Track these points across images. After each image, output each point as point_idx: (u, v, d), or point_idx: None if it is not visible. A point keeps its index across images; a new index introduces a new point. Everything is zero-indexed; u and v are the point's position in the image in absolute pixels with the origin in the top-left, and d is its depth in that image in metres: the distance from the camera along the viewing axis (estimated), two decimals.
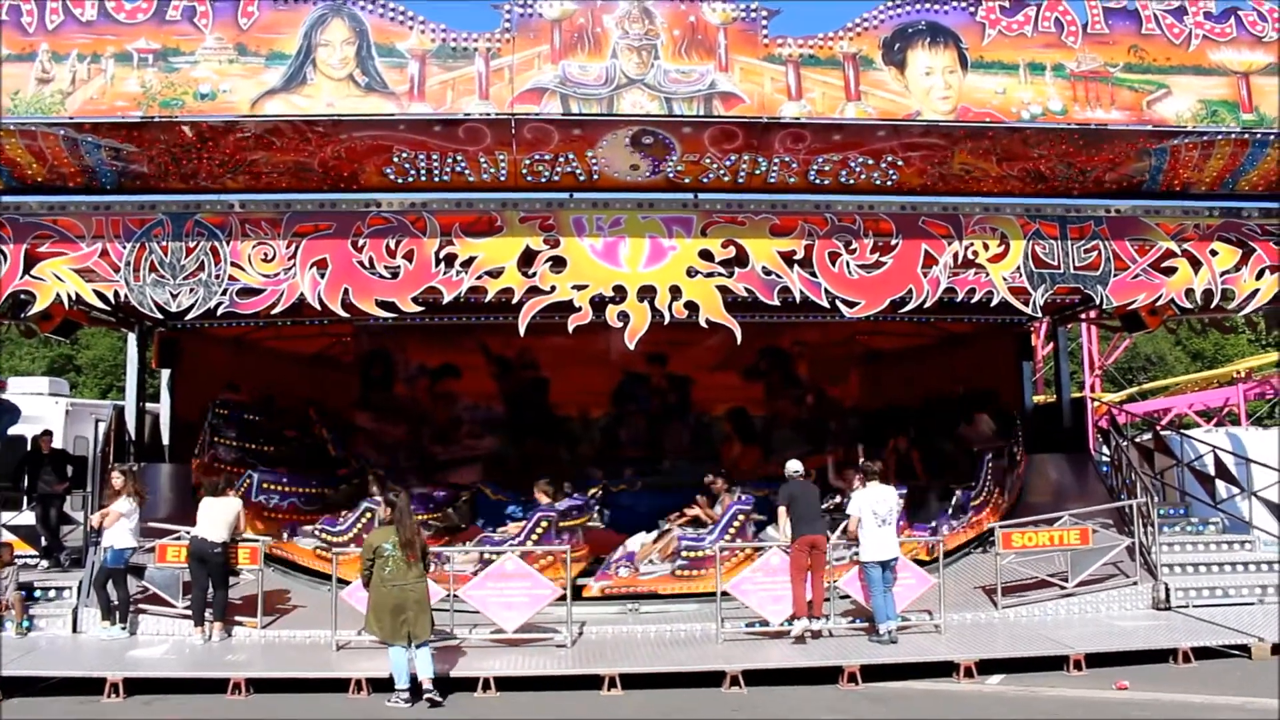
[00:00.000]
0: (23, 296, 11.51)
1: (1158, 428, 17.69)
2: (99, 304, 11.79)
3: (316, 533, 14.17)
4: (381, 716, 9.59)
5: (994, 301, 11.85)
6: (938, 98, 10.93)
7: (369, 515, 13.75)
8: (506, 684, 10.34)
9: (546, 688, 10.37)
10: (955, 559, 13.91)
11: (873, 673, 10.55)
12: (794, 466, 12.26)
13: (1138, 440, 16.84)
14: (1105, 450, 16.90)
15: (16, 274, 11.21)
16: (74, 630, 12.32)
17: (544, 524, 13.29)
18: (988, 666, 10.70)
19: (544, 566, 12.60)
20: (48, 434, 15.46)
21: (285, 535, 14.39)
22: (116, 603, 12.13)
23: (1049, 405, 18.98)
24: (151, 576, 12.44)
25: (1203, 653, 11.04)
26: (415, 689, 9.81)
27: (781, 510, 11.90)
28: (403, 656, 9.85)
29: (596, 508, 16.05)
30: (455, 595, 11.77)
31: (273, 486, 15.48)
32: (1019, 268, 11.83)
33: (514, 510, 15.14)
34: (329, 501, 15.81)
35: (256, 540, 12.67)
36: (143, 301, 11.27)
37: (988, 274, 11.83)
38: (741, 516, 13.46)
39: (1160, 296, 12.05)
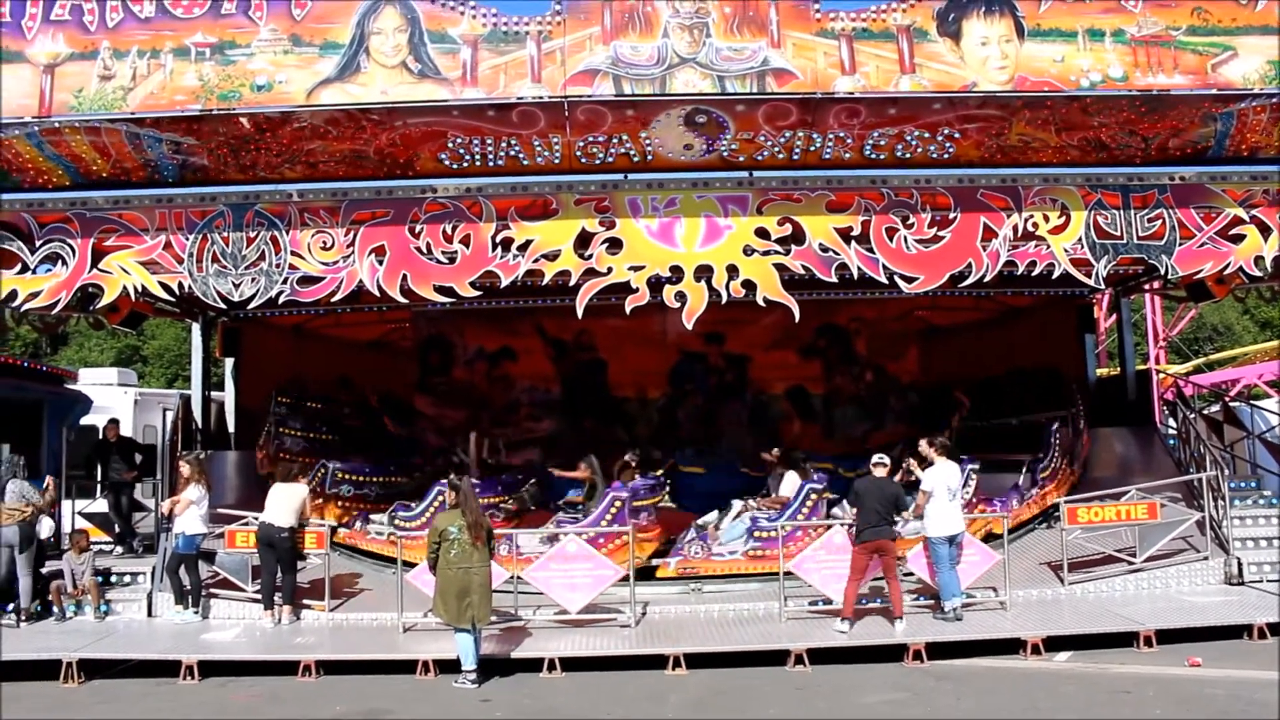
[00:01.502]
0: (91, 290, 11.73)
1: (1227, 399, 17.30)
2: (164, 295, 12.05)
3: (392, 520, 14.23)
4: (449, 697, 9.71)
5: (1055, 274, 11.64)
6: (994, 68, 10.76)
7: (440, 499, 13.87)
8: (571, 664, 10.42)
9: (611, 668, 10.44)
10: (1020, 535, 13.79)
11: (938, 650, 10.49)
12: (875, 459, 11.92)
13: (1206, 412, 16.51)
14: (1172, 423, 16.60)
15: (85, 268, 11.44)
16: (149, 614, 12.62)
17: (617, 504, 13.32)
18: (1055, 643, 10.58)
19: (615, 549, 12.66)
20: (114, 423, 15.72)
21: (358, 524, 14.48)
22: (189, 587, 12.39)
23: (1113, 378, 18.69)
24: (222, 561, 12.69)
25: (1279, 628, 10.81)
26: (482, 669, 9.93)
27: (853, 512, 11.71)
28: (469, 639, 9.98)
29: (667, 487, 16.02)
30: (519, 577, 11.86)
31: (347, 477, 15.55)
32: (1081, 239, 11.60)
33: (575, 492, 15.17)
34: (401, 489, 15.89)
35: (323, 525, 12.86)
36: (206, 292, 11.45)
37: (1048, 246, 11.61)
38: (814, 496, 13.37)
39: (1228, 265, 11.76)
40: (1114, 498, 12.86)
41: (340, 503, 15.23)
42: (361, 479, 15.78)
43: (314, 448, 16.49)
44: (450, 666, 10.30)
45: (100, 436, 15.53)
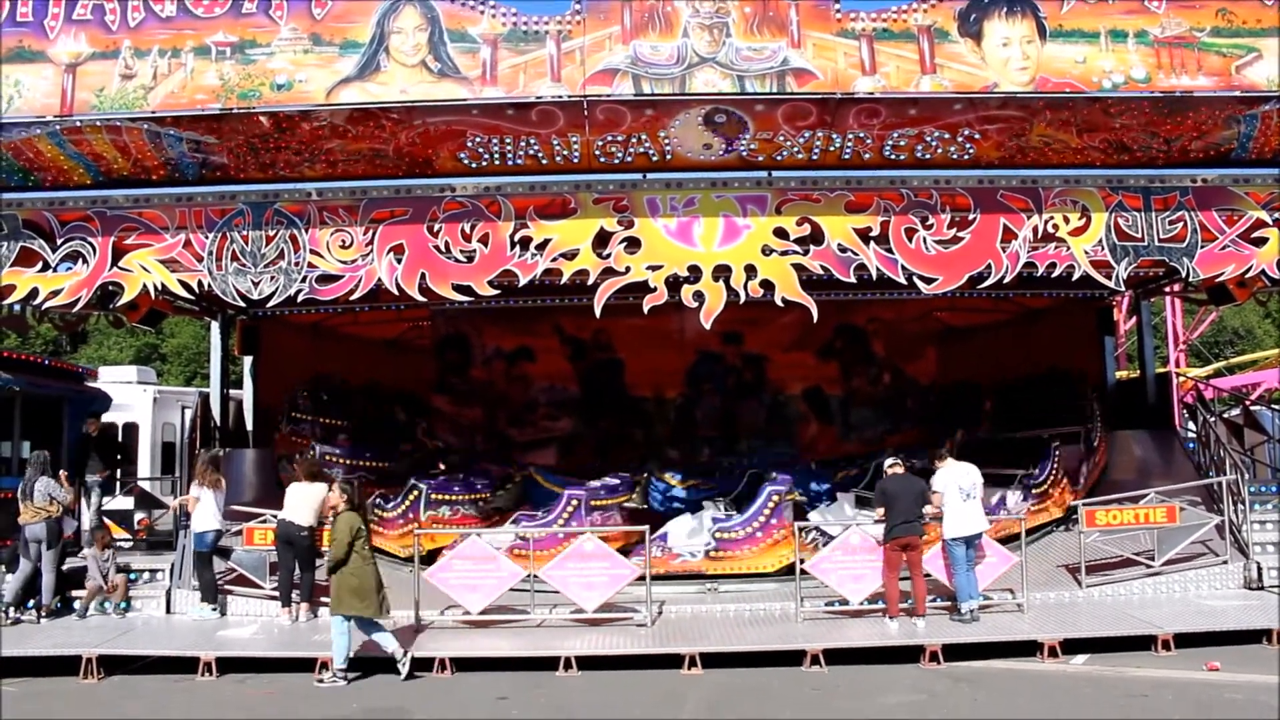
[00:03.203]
0: (111, 288, 11.78)
1: (1247, 403, 17.19)
2: (184, 293, 12.10)
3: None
4: (466, 695, 9.73)
5: (1075, 276, 11.59)
6: (1015, 69, 10.71)
7: (775, 501, 13.68)
8: (587, 663, 10.42)
9: (627, 667, 10.44)
10: (1037, 537, 13.73)
11: (955, 652, 10.46)
12: (890, 461, 12.12)
13: (1226, 416, 16.41)
14: (1191, 426, 16.50)
15: (105, 266, 11.50)
16: (167, 611, 12.68)
17: (573, 504, 13.40)
18: (1072, 646, 10.54)
19: (775, 543, 13.02)
20: (95, 417, 15.57)
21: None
22: (197, 585, 12.47)
23: (1132, 381, 18.58)
24: (239, 559, 12.76)
25: None
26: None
27: (879, 512, 11.72)
28: (390, 635, 10.27)
29: (635, 488, 15.99)
30: (535, 575, 11.87)
31: (442, 497, 15.18)
32: (1101, 240, 11.53)
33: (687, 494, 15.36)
34: (490, 506, 15.80)
35: None
36: (225, 290, 11.49)
37: (1069, 247, 11.55)
38: (776, 498, 13.38)
39: (1250, 268, 11.67)
40: (1133, 500, 12.79)
41: (437, 524, 14.75)
42: (456, 497, 15.43)
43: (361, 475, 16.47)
44: (467, 665, 10.35)
45: (83, 431, 15.45)
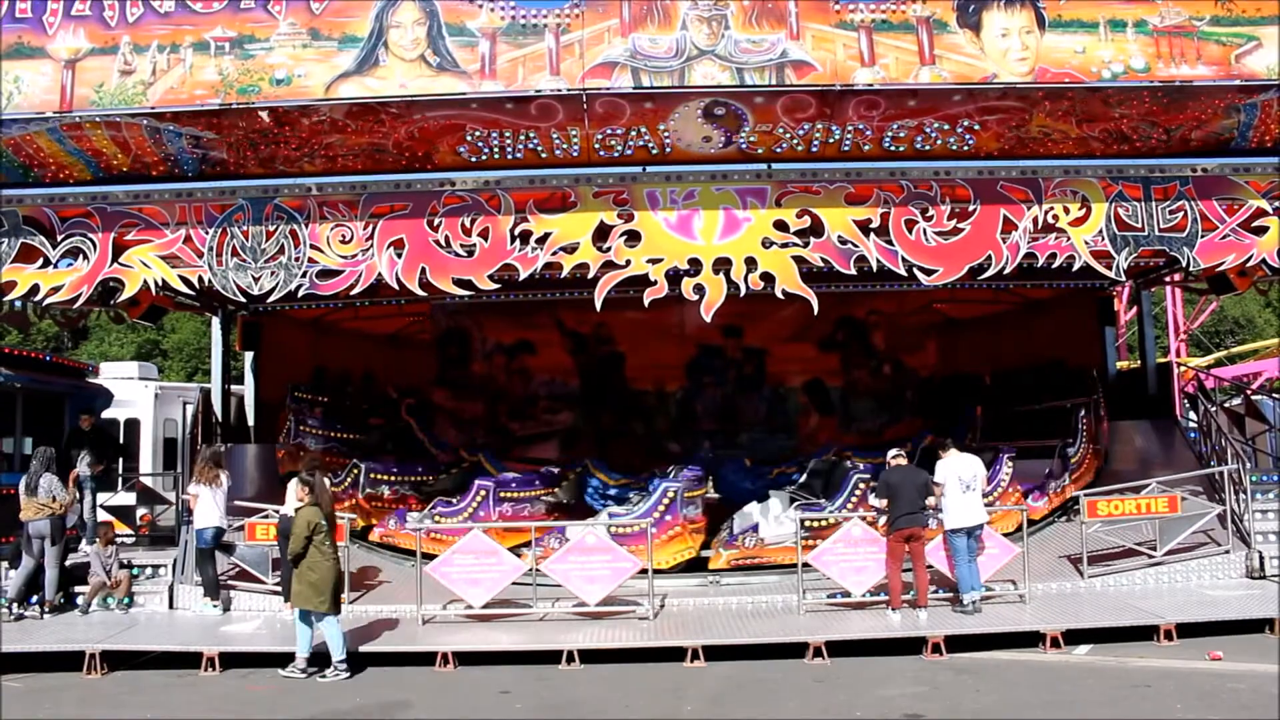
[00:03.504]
0: (112, 284, 11.79)
1: (1248, 392, 17.19)
2: (184, 289, 12.06)
3: (432, 517, 14.05)
4: (468, 688, 9.75)
5: (1076, 266, 11.58)
6: (1015, 59, 10.69)
7: (483, 494, 13.84)
8: (590, 656, 10.45)
9: (629, 660, 10.46)
10: (1039, 528, 13.76)
11: (957, 643, 10.48)
12: (893, 453, 12.13)
13: (1227, 405, 16.41)
14: (1193, 416, 16.50)
15: (106, 262, 11.50)
16: (170, 606, 12.71)
17: (670, 495, 13.40)
18: (1074, 637, 10.57)
19: (670, 538, 12.98)
20: (88, 413, 15.48)
21: (393, 523, 14.25)
22: (200, 581, 12.48)
23: (1133, 371, 18.59)
24: (242, 554, 12.78)
25: None
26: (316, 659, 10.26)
27: (882, 503, 11.75)
28: (337, 629, 10.27)
29: (563, 483, 16.00)
30: (538, 569, 11.89)
31: (380, 477, 15.46)
32: (1101, 231, 11.52)
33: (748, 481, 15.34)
34: (432, 489, 15.83)
35: (343, 518, 12.91)
36: (226, 285, 11.48)
37: (1069, 238, 11.54)
38: (671, 494, 13.40)
39: (1250, 257, 11.65)
40: (1134, 491, 12.81)
41: (374, 502, 15.08)
42: (393, 477, 15.70)
43: (336, 446, 16.50)
44: (470, 659, 10.38)
45: (77, 426, 15.38)
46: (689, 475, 13.90)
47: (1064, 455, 15.09)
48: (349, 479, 14.99)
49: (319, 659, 10.28)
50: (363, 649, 10.76)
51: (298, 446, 15.97)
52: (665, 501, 13.35)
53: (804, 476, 14.95)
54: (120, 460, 16.08)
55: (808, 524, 12.72)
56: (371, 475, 15.11)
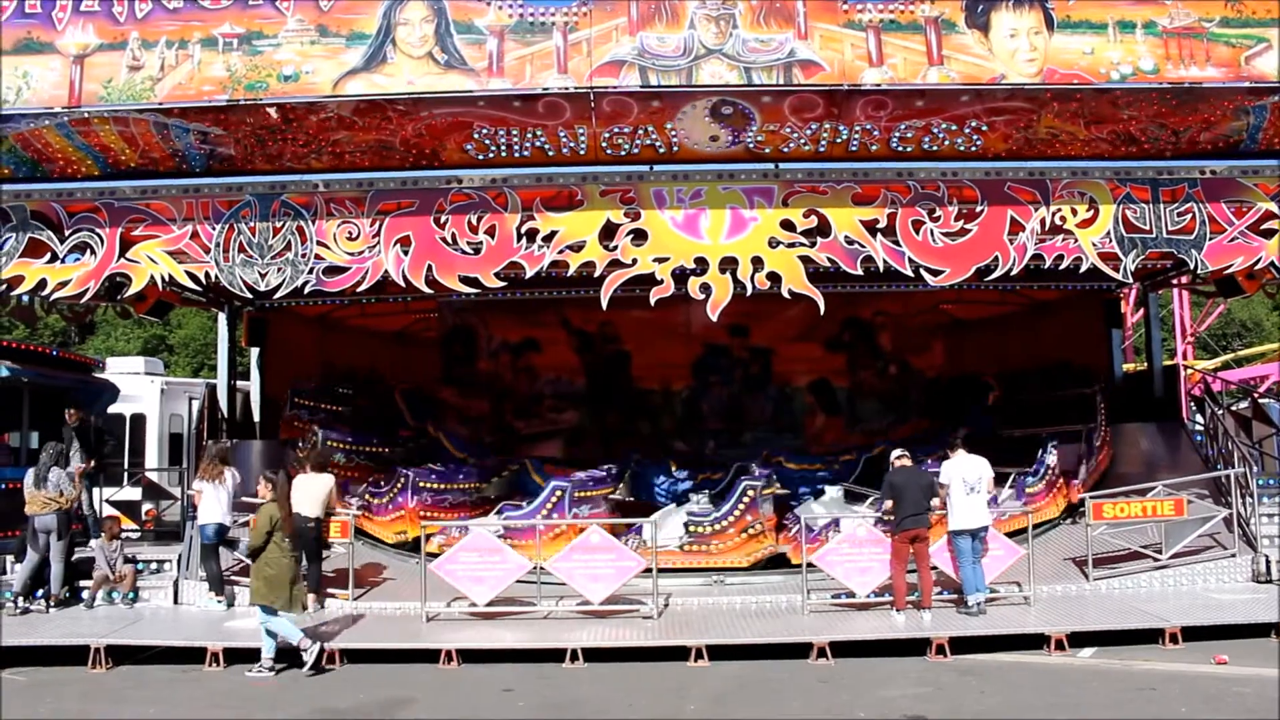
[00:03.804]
0: (119, 279, 11.82)
1: (1255, 395, 17.15)
2: (191, 285, 12.13)
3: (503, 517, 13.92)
4: (472, 686, 9.75)
5: (1083, 268, 11.60)
6: (1023, 60, 10.66)
7: (559, 494, 13.76)
8: (594, 655, 10.43)
9: (633, 659, 10.45)
10: (1044, 530, 13.73)
11: (961, 645, 10.45)
12: (896, 453, 12.08)
13: (1234, 408, 16.37)
14: (1199, 419, 16.47)
15: (113, 257, 11.53)
16: (175, 602, 12.74)
17: (558, 494, 13.47)
18: (1079, 639, 10.53)
19: (749, 538, 13.11)
20: (74, 407, 15.06)
21: (456, 531, 13.74)
22: (204, 577, 12.50)
23: (1140, 373, 18.55)
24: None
25: None
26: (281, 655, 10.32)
27: (887, 505, 11.73)
28: (295, 627, 10.31)
29: (622, 480, 15.98)
30: (542, 567, 11.89)
31: (428, 485, 15.08)
32: (1109, 233, 11.50)
33: (668, 484, 15.31)
34: (482, 495, 15.86)
35: (347, 514, 12.93)
36: (232, 281, 11.51)
37: (1076, 240, 11.52)
38: (559, 493, 13.44)
39: (1259, 260, 11.64)
40: (1140, 493, 12.78)
41: (425, 512, 14.61)
42: (445, 485, 15.39)
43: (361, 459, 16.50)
44: (474, 657, 10.38)
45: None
46: (763, 473, 13.88)
47: (1089, 439, 15.15)
48: (395, 488, 14.78)
49: (287, 654, 10.35)
50: (366, 646, 10.76)
51: (301, 422, 15.98)
52: (746, 499, 13.32)
53: (730, 475, 15.18)
54: (105, 454, 15.88)
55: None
56: (418, 484, 14.84)
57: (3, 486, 13.87)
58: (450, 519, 14.22)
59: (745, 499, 13.28)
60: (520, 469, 16.80)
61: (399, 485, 14.62)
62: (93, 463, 14.54)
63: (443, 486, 15.12)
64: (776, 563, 13.32)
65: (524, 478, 16.46)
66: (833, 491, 14.61)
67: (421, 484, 14.73)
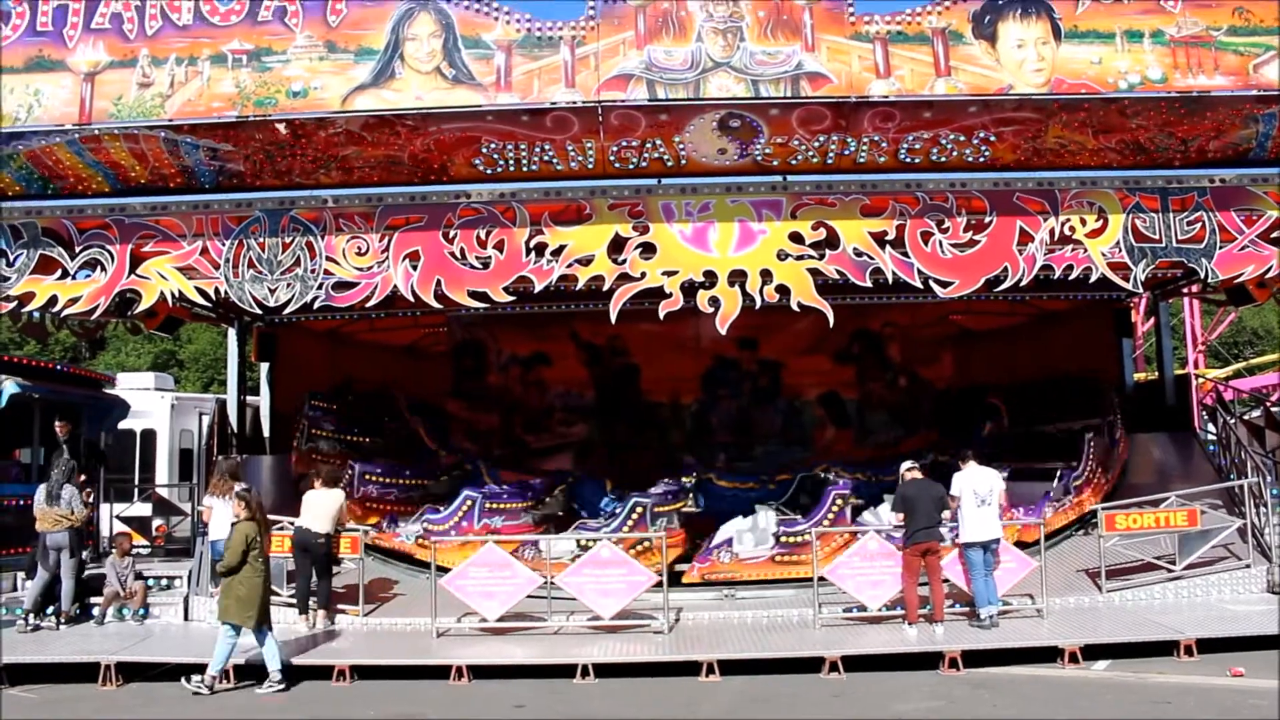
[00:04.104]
0: (129, 295, 11.84)
1: (1268, 404, 17.05)
2: (200, 300, 12.17)
3: (420, 522, 14.24)
4: (482, 702, 9.72)
5: (1093, 278, 11.52)
6: (1031, 70, 10.64)
7: (469, 504, 13.87)
8: (604, 670, 10.40)
9: (644, 674, 10.41)
10: (1056, 541, 13.65)
11: (974, 658, 10.40)
12: (906, 465, 12.03)
13: (1246, 417, 16.28)
14: (1211, 429, 16.38)
15: (123, 274, 11.56)
16: (185, 618, 12.73)
17: (639, 510, 13.36)
18: (1093, 652, 10.47)
19: (639, 553, 12.69)
20: (65, 422, 14.75)
21: (385, 525, 14.55)
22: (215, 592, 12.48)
23: (1151, 383, 18.47)
24: None
25: None
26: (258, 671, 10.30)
27: (898, 517, 11.68)
28: (273, 640, 10.32)
29: (691, 493, 15.99)
30: (552, 582, 11.86)
31: (373, 478, 15.49)
32: (1119, 242, 11.47)
33: (607, 503, 15.20)
34: (429, 492, 15.93)
35: (358, 530, 12.91)
36: (242, 297, 11.53)
37: (1086, 250, 11.48)
38: (840, 501, 13.36)
39: (1270, 268, 11.58)
40: (1153, 504, 12.70)
41: (368, 504, 15.12)
42: (385, 480, 15.68)
43: (348, 450, 16.53)
44: (484, 673, 10.36)
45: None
46: (847, 483, 13.92)
47: (1065, 478, 14.84)
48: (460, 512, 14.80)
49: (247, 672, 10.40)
50: (376, 662, 10.74)
51: (311, 450, 15.98)
52: (834, 510, 13.35)
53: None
54: (102, 468, 15.75)
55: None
56: (365, 476, 15.08)
57: (16, 503, 13.86)
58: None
59: (834, 508, 13.38)
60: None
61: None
62: (83, 478, 14.42)
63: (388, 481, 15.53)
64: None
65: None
66: (763, 510, 14.53)
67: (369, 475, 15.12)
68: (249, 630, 10.18)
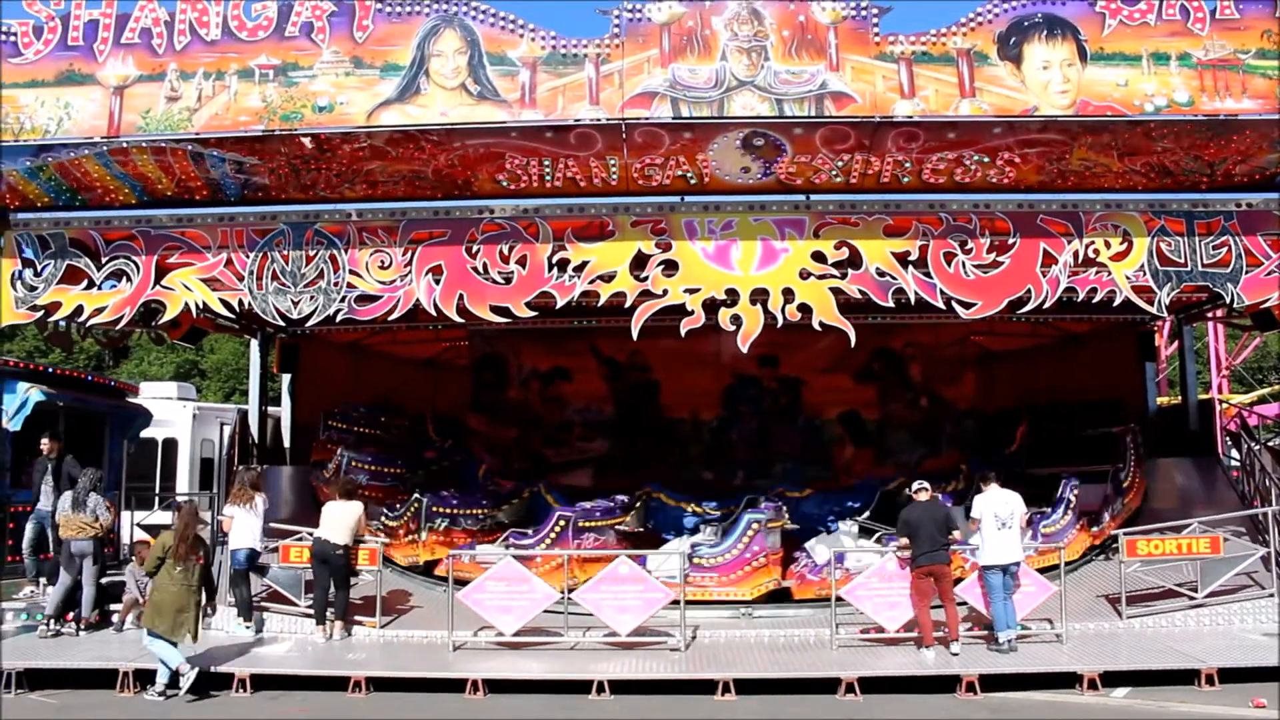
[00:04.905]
0: (154, 305, 11.95)
1: None
2: (224, 312, 12.26)
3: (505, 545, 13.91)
4: (498, 717, 9.71)
5: (1117, 301, 11.48)
6: (1056, 92, 10.60)
7: (563, 523, 13.88)
8: (620, 687, 10.36)
9: (660, 691, 10.37)
10: (1077, 566, 13.55)
11: (992, 682, 10.31)
12: (916, 486, 11.93)
13: (1271, 443, 16.13)
14: (1235, 455, 16.24)
15: (148, 284, 11.67)
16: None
17: (560, 523, 13.48)
18: (1112, 679, 10.35)
19: (752, 570, 13.10)
20: (54, 437, 14.36)
21: (466, 557, 13.71)
22: (234, 602, 12.52)
23: (1174, 407, 18.33)
24: (275, 576, 12.82)
25: None
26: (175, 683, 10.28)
27: (902, 542, 11.60)
28: (174, 650, 10.34)
29: (633, 510, 15.93)
30: (569, 597, 11.85)
31: (361, 466, 15.57)
32: (1143, 266, 11.41)
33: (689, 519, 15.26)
34: (494, 521, 15.92)
35: (376, 542, 12.93)
36: (265, 309, 11.61)
37: (1110, 273, 11.43)
38: (755, 525, 13.29)
39: None
40: (1175, 530, 12.58)
41: (436, 535, 14.81)
42: (453, 511, 15.50)
43: (386, 482, 16.57)
44: (500, 687, 10.35)
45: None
46: (770, 507, 13.79)
47: (1116, 480, 14.94)
48: (409, 512, 14.99)
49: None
50: (392, 674, 10.74)
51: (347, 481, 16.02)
52: (750, 533, 13.26)
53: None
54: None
55: None
56: (433, 509, 14.97)
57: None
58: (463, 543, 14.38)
59: (749, 532, 13.23)
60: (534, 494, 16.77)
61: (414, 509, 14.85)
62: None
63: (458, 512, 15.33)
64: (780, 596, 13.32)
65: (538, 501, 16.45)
66: (845, 526, 14.45)
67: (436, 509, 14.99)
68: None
